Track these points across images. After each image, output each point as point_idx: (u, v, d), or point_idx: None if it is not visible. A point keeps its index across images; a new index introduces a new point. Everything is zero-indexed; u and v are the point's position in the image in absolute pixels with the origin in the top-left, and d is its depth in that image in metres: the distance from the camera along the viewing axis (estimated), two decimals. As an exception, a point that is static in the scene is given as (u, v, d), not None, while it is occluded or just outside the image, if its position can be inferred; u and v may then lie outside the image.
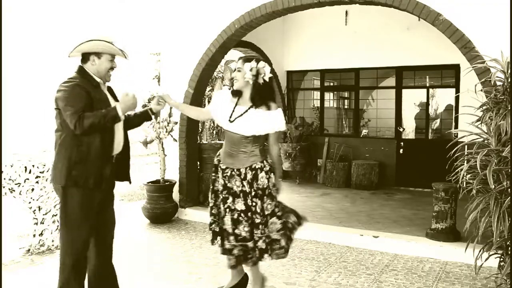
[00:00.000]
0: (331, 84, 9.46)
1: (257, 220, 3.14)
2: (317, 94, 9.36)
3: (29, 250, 4.46)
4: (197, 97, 6.33)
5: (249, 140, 3.19)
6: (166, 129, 5.92)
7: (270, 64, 9.86)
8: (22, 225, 4.88)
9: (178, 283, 3.79)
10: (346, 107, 9.68)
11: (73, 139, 2.81)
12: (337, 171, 8.21)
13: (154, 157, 10.82)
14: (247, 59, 3.19)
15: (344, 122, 9.55)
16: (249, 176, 3.17)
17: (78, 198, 2.83)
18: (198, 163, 6.49)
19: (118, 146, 2.99)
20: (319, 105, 9.16)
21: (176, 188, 6.16)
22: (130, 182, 3.22)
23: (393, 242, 4.79)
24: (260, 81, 3.15)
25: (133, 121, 3.20)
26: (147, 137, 5.94)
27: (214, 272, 4.06)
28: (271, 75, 3.20)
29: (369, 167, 7.97)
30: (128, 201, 7.42)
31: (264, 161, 3.22)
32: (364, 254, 4.62)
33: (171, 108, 6.13)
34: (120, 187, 8.55)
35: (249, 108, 3.18)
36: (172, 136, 6.10)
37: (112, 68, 3.00)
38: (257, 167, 3.19)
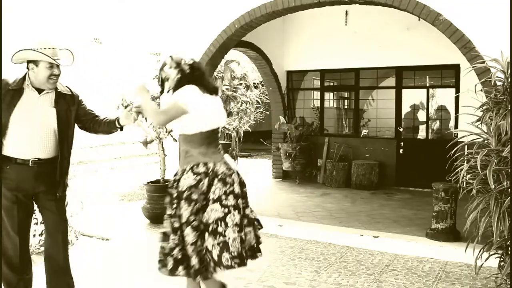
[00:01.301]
0: (331, 84, 9.46)
1: (175, 225, 2.92)
2: (317, 94, 9.36)
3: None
4: (197, 97, 6.33)
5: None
6: (166, 129, 5.92)
7: (270, 64, 9.82)
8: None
9: (178, 283, 3.79)
10: (346, 107, 9.68)
11: None
12: (337, 171, 8.21)
13: (154, 157, 10.83)
14: (161, 67, 3.06)
15: (344, 122, 9.55)
16: (178, 177, 2.98)
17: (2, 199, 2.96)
18: (198, 163, 6.48)
19: (30, 152, 2.96)
20: (319, 105, 9.15)
21: (176, 188, 6.15)
22: (58, 194, 3.12)
23: (393, 242, 4.79)
24: (186, 69, 2.97)
25: (100, 127, 3.22)
26: (147, 137, 5.94)
27: (214, 272, 4.05)
28: (192, 59, 3.03)
29: (369, 167, 7.97)
30: (128, 201, 7.42)
31: None
32: (364, 254, 4.62)
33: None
34: (121, 187, 8.56)
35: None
36: (172, 136, 6.10)
37: (53, 75, 2.98)
38: (187, 168, 2.94)
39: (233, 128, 9.03)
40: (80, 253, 4.51)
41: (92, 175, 9.99)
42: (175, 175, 2.95)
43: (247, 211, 2.97)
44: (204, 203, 2.83)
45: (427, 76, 8.22)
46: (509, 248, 3.18)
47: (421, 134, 8.41)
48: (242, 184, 2.94)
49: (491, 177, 2.97)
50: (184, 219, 2.79)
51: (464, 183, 3.29)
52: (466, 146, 3.40)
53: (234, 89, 8.12)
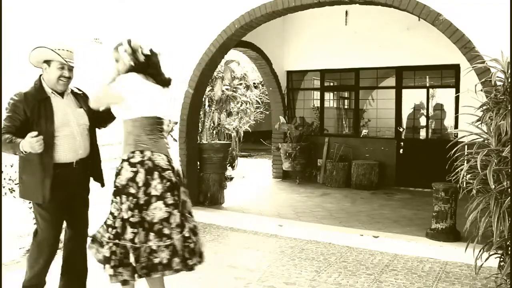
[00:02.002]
0: (331, 84, 9.46)
1: (109, 222, 2.82)
2: (317, 94, 9.36)
3: (29, 250, 4.46)
4: (197, 97, 6.33)
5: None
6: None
7: (270, 64, 9.82)
8: (22, 225, 4.88)
9: (178, 283, 3.79)
10: (346, 107, 9.68)
11: None
12: (337, 171, 8.21)
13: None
14: (116, 46, 2.90)
15: (344, 122, 9.55)
16: (116, 171, 2.86)
17: (38, 210, 3.00)
18: (198, 163, 6.49)
19: (74, 154, 3.03)
20: (319, 105, 9.15)
21: (176, 188, 6.15)
22: (102, 185, 3.30)
23: (393, 242, 4.79)
24: (141, 58, 2.87)
25: (102, 118, 3.22)
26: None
27: (214, 272, 4.05)
28: (151, 49, 2.95)
29: (369, 167, 7.97)
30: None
31: None
32: (364, 254, 4.62)
33: (171, 108, 6.14)
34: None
35: None
36: (172, 136, 6.07)
37: (63, 77, 2.98)
38: (124, 158, 2.83)
39: (233, 128, 9.03)
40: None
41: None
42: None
43: (184, 210, 2.88)
44: (146, 199, 2.68)
45: (427, 76, 8.23)
46: (509, 248, 3.18)
47: (421, 134, 8.42)
48: (178, 179, 2.81)
49: (491, 177, 2.97)
50: (124, 215, 2.66)
51: (464, 183, 3.29)
52: (466, 146, 3.40)
53: (234, 89, 8.12)
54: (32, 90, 2.96)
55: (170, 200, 2.71)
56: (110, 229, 2.71)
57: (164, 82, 2.96)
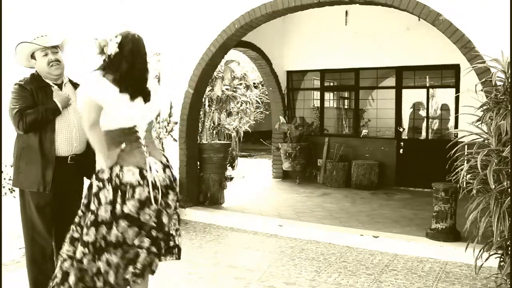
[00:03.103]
0: (331, 84, 9.46)
1: (75, 235, 2.55)
2: (317, 94, 9.36)
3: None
4: (197, 97, 6.33)
5: None
6: (166, 129, 5.92)
7: (270, 64, 9.82)
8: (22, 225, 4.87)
9: (178, 283, 3.79)
10: (346, 107, 9.68)
11: (19, 141, 2.96)
12: (337, 171, 8.21)
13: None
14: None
15: (344, 122, 9.55)
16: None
17: (29, 200, 2.95)
18: (198, 163, 6.49)
19: (69, 147, 2.97)
20: (319, 105, 9.16)
21: (176, 188, 6.15)
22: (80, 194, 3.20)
23: (393, 242, 4.79)
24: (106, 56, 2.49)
25: None
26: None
27: (214, 272, 4.06)
28: (115, 45, 2.45)
29: (369, 167, 7.97)
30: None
31: None
32: (364, 254, 4.62)
33: (171, 108, 6.14)
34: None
35: None
36: (172, 136, 6.10)
37: (51, 61, 2.95)
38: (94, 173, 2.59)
39: (233, 128, 9.03)
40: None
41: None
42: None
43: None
44: (109, 217, 2.40)
45: (427, 76, 8.23)
46: (509, 248, 3.18)
47: (422, 134, 8.42)
48: (156, 192, 2.48)
49: (491, 177, 2.97)
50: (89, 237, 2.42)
51: (464, 183, 3.29)
52: (466, 146, 3.40)
53: (234, 89, 8.12)
54: (31, 78, 2.97)
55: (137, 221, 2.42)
56: (76, 243, 2.50)
57: (141, 94, 2.52)
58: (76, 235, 2.51)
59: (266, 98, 9.56)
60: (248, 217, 5.80)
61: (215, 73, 7.10)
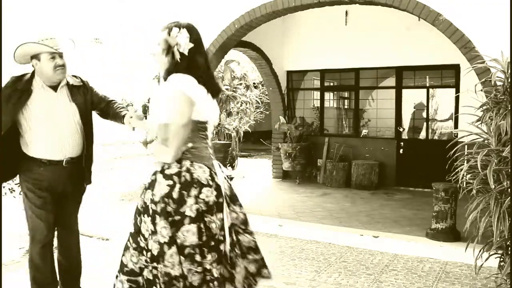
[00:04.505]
0: (331, 84, 9.46)
1: (142, 244, 2.30)
2: (317, 94, 9.36)
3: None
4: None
5: (158, 133, 2.41)
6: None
7: (270, 64, 9.81)
8: (22, 225, 4.88)
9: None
10: (346, 107, 9.68)
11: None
12: (337, 171, 8.21)
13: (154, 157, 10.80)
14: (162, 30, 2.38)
15: (344, 122, 9.55)
16: (146, 184, 2.35)
17: (28, 202, 2.96)
18: (198, 163, 6.48)
19: (61, 150, 2.94)
20: (319, 105, 9.16)
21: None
22: (89, 183, 3.21)
23: (393, 242, 4.79)
24: (177, 56, 2.30)
25: (110, 114, 3.14)
26: (147, 137, 5.93)
27: (214, 272, 4.05)
28: (191, 44, 2.30)
29: (369, 167, 7.97)
30: (128, 201, 7.42)
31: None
32: (364, 254, 4.62)
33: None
34: (121, 187, 8.56)
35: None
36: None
37: (58, 66, 2.90)
38: (157, 169, 2.31)
39: (233, 128, 9.04)
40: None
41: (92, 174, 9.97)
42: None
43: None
44: (179, 218, 2.20)
45: (427, 76, 8.22)
46: (509, 248, 3.18)
47: (422, 134, 8.42)
48: (220, 198, 2.30)
49: (491, 177, 2.97)
50: (160, 238, 2.20)
51: (464, 183, 3.29)
52: (466, 146, 3.40)
53: (234, 89, 8.13)
54: (23, 78, 2.93)
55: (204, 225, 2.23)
56: (145, 252, 2.28)
57: (214, 91, 2.41)
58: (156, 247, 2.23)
59: (266, 98, 9.57)
60: (248, 217, 5.79)
61: (215, 73, 7.11)
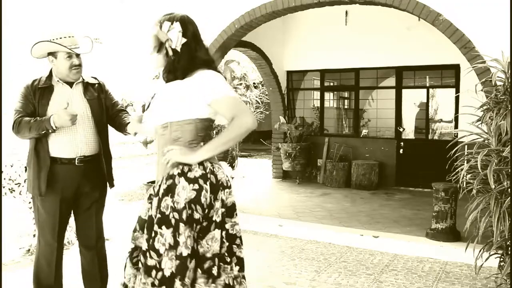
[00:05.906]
0: (331, 84, 9.46)
1: (150, 263, 2.00)
2: (317, 94, 9.36)
3: (29, 250, 4.46)
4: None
5: (165, 133, 2.12)
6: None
7: (270, 64, 9.79)
8: (22, 225, 4.88)
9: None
10: (346, 107, 9.68)
11: (29, 144, 2.88)
12: (337, 171, 8.21)
13: (154, 157, 10.82)
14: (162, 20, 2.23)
15: (344, 122, 9.55)
16: (162, 191, 2.04)
17: (38, 205, 2.88)
18: (198, 163, 6.48)
19: (74, 148, 2.84)
20: (319, 105, 9.16)
21: (176, 188, 6.15)
22: (111, 186, 3.13)
23: (393, 242, 4.79)
24: (169, 53, 2.11)
25: (116, 124, 3.09)
26: (147, 137, 5.92)
27: (214, 272, 4.05)
28: (184, 40, 2.13)
29: (369, 167, 7.97)
30: (128, 201, 7.42)
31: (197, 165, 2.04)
32: (364, 254, 4.62)
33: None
34: (121, 187, 8.57)
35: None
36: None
37: (74, 66, 2.85)
38: (175, 173, 2.03)
39: (233, 128, 9.03)
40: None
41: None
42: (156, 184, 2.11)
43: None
44: (206, 224, 2.02)
45: (427, 76, 8.23)
46: (509, 248, 3.18)
47: (422, 134, 8.42)
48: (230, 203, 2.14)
49: (491, 177, 2.97)
50: (183, 251, 1.94)
51: (464, 183, 3.29)
52: (466, 146, 3.40)
53: (234, 89, 8.12)
54: (41, 78, 2.90)
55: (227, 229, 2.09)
56: (153, 272, 1.98)
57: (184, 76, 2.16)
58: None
59: (266, 98, 9.56)
60: (248, 217, 5.80)
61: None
